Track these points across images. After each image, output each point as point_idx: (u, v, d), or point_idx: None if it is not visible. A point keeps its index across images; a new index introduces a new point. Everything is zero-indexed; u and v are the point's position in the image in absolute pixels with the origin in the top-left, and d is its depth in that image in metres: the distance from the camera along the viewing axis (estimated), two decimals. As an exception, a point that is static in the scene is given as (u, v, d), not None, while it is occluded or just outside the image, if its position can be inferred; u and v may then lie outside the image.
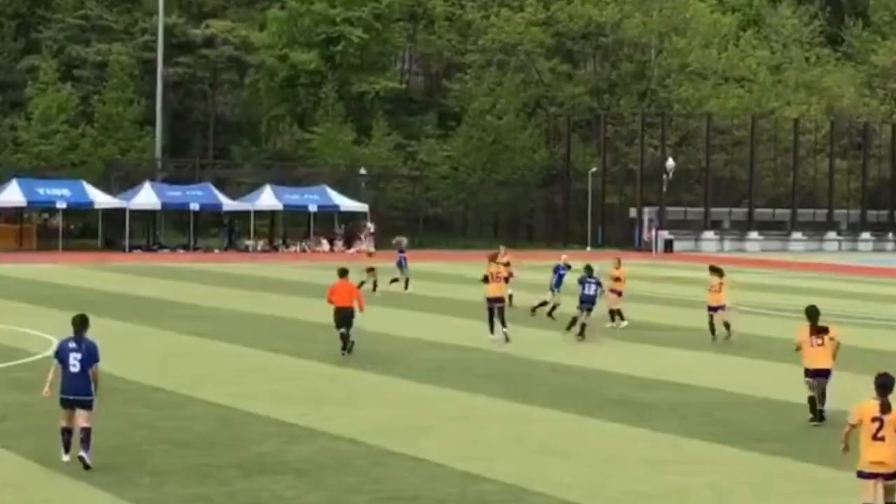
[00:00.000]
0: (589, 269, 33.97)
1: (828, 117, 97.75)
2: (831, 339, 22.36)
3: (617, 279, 37.58)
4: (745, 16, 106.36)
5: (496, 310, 32.93)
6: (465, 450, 19.69)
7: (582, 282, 33.74)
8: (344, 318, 29.64)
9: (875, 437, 14.62)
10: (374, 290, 45.34)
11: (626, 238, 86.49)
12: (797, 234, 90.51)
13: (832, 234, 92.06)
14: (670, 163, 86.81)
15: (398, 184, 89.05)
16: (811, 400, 22.35)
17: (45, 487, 16.85)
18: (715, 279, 34.52)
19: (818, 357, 22.33)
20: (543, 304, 39.29)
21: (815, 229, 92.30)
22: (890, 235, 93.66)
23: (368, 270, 46.73)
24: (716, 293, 34.39)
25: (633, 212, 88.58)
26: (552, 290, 38.91)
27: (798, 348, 22.77)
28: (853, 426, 14.96)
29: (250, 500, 16.27)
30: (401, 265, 49.16)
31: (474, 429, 21.56)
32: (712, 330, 34.10)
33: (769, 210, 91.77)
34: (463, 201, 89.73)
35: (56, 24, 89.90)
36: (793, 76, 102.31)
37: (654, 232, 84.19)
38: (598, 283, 34.03)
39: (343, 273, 30.49)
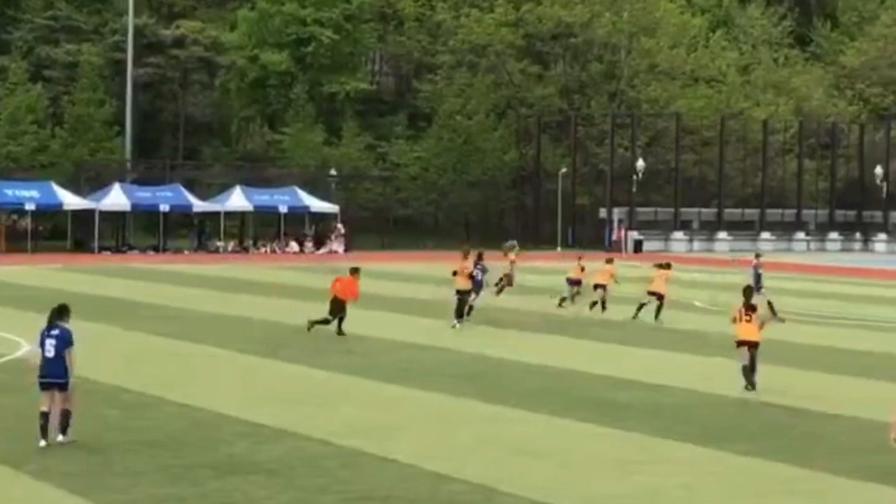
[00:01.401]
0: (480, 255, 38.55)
1: (796, 118, 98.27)
2: (758, 315, 25.71)
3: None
4: (714, 17, 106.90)
5: (462, 301, 36.66)
6: (436, 450, 19.71)
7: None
8: (339, 307, 33.84)
9: None
10: None
11: (595, 238, 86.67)
12: (766, 234, 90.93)
13: (800, 235, 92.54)
14: (640, 163, 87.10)
15: (368, 184, 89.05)
16: (744, 368, 25.35)
17: (14, 489, 16.79)
18: (660, 271, 38.92)
19: (747, 330, 25.44)
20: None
21: (784, 229, 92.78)
22: (857, 235, 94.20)
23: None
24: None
25: (602, 212, 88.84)
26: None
27: (733, 321, 25.91)
28: None
29: (222, 500, 16.26)
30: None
31: (445, 429, 21.59)
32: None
33: (738, 210, 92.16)
34: (433, 202, 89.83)
35: (25, 25, 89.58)
36: (762, 77, 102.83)
37: (623, 232, 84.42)
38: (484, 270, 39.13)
39: (354, 271, 35.12)
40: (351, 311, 34.41)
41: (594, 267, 42.95)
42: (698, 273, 61.50)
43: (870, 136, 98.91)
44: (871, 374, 28.76)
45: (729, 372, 27.77)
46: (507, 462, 19.05)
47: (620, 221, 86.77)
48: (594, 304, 40.52)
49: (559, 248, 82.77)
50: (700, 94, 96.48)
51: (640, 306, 39.33)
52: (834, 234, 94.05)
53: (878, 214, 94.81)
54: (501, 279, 46.56)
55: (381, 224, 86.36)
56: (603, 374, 28.22)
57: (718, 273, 63.83)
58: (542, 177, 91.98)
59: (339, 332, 33.73)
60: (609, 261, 43.17)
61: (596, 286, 40.89)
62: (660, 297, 39.04)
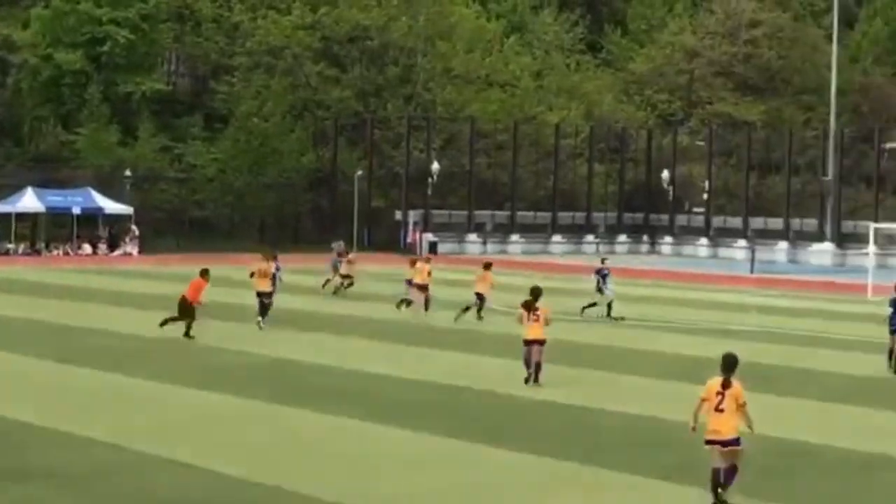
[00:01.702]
0: None
1: (587, 122, 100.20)
2: (544, 315, 27.32)
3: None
4: (509, 22, 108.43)
5: (264, 303, 37.40)
6: (228, 452, 19.98)
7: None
8: (185, 309, 34.73)
9: (717, 409, 17.00)
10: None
11: (391, 240, 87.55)
12: (557, 237, 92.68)
13: (590, 237, 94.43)
14: (435, 166, 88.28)
15: (164, 186, 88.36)
16: (526, 362, 27.38)
17: None
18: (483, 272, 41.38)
19: (532, 330, 27.30)
20: (592, 304, 43.41)
21: (574, 232, 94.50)
22: (645, 238, 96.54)
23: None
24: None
25: (398, 214, 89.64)
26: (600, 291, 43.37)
27: (519, 321, 27.88)
28: (703, 400, 17.22)
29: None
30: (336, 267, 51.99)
31: (237, 431, 21.85)
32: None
33: (531, 213, 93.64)
34: (230, 204, 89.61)
35: None
36: (554, 82, 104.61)
37: (418, 234, 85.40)
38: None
39: (204, 273, 35.75)
40: (149, 315, 34.51)
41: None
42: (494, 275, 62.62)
43: (657, 141, 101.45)
44: (656, 374, 29.96)
45: (521, 373, 28.79)
46: (298, 463, 19.38)
47: (415, 223, 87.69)
48: (466, 309, 40.81)
49: (355, 250, 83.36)
50: (494, 98, 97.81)
51: (465, 309, 40.49)
52: (622, 237, 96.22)
53: (665, 217, 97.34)
54: (334, 279, 49.98)
55: (176, 226, 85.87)
56: (400, 375, 28.72)
57: (512, 275, 65.20)
58: (339, 179, 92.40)
59: (187, 334, 34.24)
60: (427, 260, 45.65)
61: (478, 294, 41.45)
62: (481, 298, 40.97)
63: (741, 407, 17.07)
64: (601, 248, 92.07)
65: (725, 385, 17.09)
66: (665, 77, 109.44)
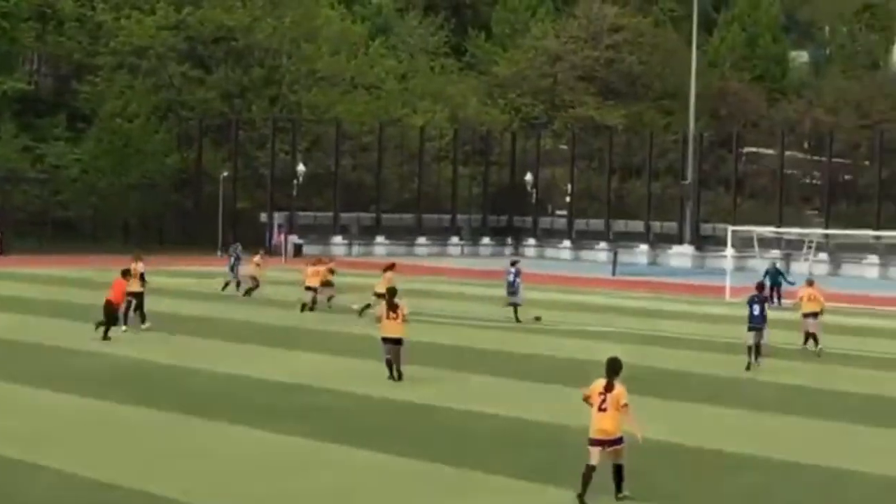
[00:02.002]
0: None
1: (452, 125, 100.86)
2: (404, 314, 28.69)
3: None
4: (373, 24, 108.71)
5: (134, 303, 38.03)
6: (92, 457, 20.00)
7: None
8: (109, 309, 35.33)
9: (600, 409, 17.83)
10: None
11: (256, 242, 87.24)
12: (422, 239, 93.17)
13: (455, 239, 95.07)
14: (300, 168, 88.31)
15: (26, 187, 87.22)
16: (388, 361, 28.70)
17: None
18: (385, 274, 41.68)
19: (392, 328, 28.57)
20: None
21: (439, 234, 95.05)
22: (509, 240, 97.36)
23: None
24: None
25: (263, 216, 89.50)
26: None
27: (378, 320, 29.29)
28: (585, 398, 18.13)
29: None
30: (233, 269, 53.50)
31: (101, 435, 21.87)
32: None
33: (396, 215, 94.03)
34: (93, 205, 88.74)
35: None
36: (419, 84, 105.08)
37: (283, 236, 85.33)
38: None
39: (125, 273, 37.00)
40: (9, 317, 34.26)
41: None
42: (360, 277, 62.93)
43: (521, 144, 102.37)
44: (517, 375, 30.52)
45: (381, 373, 29.12)
46: (162, 466, 19.46)
47: (280, 226, 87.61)
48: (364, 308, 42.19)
49: (219, 252, 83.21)
50: (359, 100, 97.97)
51: (366, 306, 41.69)
52: (486, 239, 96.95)
53: (528, 220, 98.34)
54: (233, 281, 51.95)
55: (38, 227, 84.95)
56: (265, 378, 28.90)
57: (375, 277, 65.47)
58: (203, 180, 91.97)
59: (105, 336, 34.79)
60: (317, 262, 47.59)
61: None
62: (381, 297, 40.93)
63: (623, 408, 17.83)
64: (465, 249, 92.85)
65: (608, 388, 17.88)
66: (528, 81, 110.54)
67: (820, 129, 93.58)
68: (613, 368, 18.06)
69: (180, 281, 54.13)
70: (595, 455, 17.78)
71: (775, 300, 50.01)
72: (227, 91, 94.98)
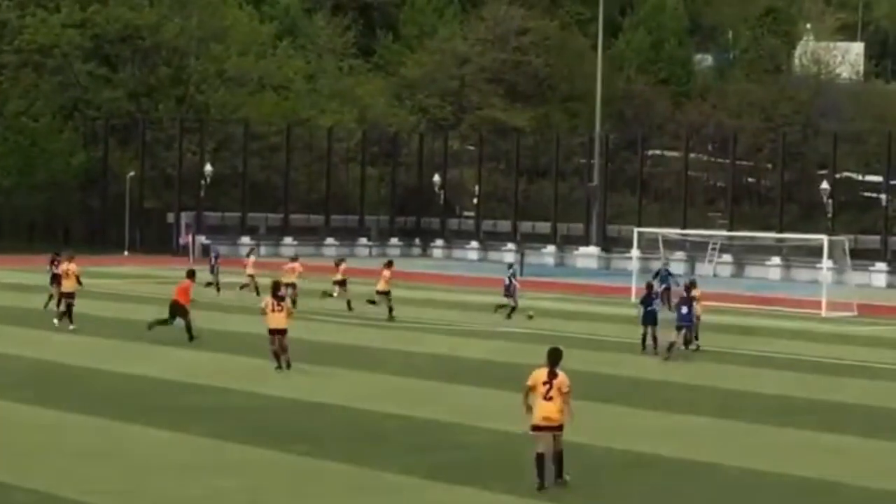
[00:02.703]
0: None
1: (360, 126, 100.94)
2: (288, 306, 30.93)
3: None
4: (281, 24, 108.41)
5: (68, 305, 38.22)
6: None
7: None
8: (177, 310, 36.33)
9: (545, 398, 18.70)
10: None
11: (163, 242, 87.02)
12: (330, 240, 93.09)
13: (363, 240, 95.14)
14: (208, 168, 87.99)
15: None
16: (274, 353, 30.33)
17: None
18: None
19: (276, 319, 30.33)
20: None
21: (347, 235, 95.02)
22: (417, 241, 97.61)
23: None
24: None
25: (171, 216, 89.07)
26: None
27: (262, 313, 30.78)
28: (529, 388, 18.91)
29: None
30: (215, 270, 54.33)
31: (4, 436, 21.79)
32: None
33: (304, 216, 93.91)
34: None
35: None
36: (327, 85, 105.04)
37: (191, 236, 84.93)
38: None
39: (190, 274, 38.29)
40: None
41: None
42: (268, 278, 62.84)
43: (429, 145, 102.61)
44: (414, 374, 30.79)
45: (291, 373, 29.24)
46: (70, 468, 19.43)
47: (188, 226, 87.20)
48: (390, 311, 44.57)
49: (126, 252, 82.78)
50: (268, 100, 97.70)
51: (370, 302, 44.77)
52: (395, 240, 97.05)
53: (436, 221, 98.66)
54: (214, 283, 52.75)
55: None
56: (170, 378, 28.94)
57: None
58: (110, 180, 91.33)
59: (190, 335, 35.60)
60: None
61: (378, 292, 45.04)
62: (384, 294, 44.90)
63: (565, 395, 18.80)
64: (374, 250, 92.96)
65: (552, 375, 18.80)
66: (436, 82, 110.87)
67: (724, 132, 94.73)
68: (555, 358, 19.04)
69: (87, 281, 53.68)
70: (543, 441, 18.65)
71: (665, 301, 50.63)
72: (133, 90, 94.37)
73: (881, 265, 75.92)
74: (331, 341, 37.41)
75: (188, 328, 35.80)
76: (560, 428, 18.77)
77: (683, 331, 35.85)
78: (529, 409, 19.05)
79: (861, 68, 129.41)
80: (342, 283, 49.40)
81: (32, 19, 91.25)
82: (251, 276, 52.50)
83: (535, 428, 18.75)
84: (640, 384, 30.63)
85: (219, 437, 22.08)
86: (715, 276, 75.18)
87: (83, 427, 22.90)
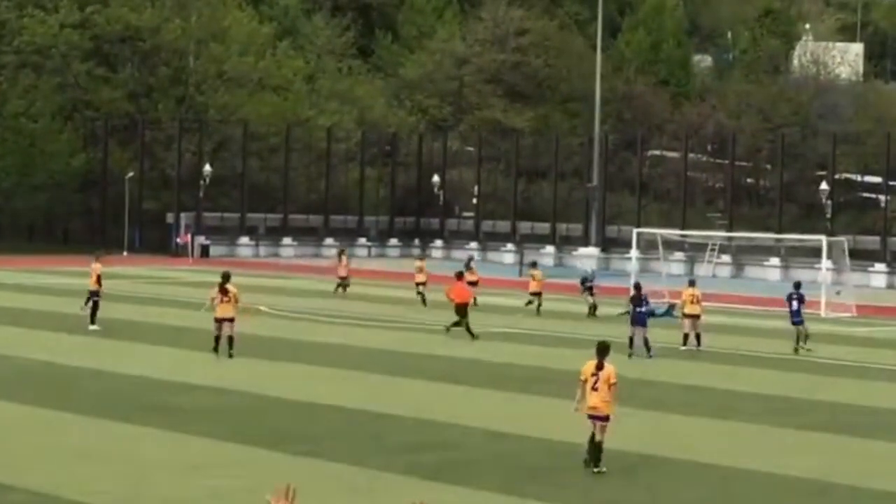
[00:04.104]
0: None
1: (359, 127, 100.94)
2: (235, 297, 33.08)
3: None
4: (280, 25, 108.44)
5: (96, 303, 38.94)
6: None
7: None
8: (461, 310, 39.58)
9: (592, 388, 19.93)
10: None
11: (162, 243, 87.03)
12: (329, 240, 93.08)
13: (362, 241, 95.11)
14: (207, 168, 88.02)
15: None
16: (216, 338, 32.70)
17: None
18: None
19: (224, 309, 32.80)
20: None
21: (347, 235, 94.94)
22: (416, 242, 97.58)
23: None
24: None
25: (170, 217, 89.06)
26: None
27: (210, 309, 33.56)
28: (583, 381, 20.09)
29: None
30: None
31: (4, 437, 21.80)
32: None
33: (303, 216, 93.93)
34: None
35: None
36: (326, 86, 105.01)
37: (190, 237, 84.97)
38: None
39: (459, 275, 42.02)
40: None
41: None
42: (265, 279, 63.03)
43: (428, 146, 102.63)
44: (420, 375, 30.80)
45: (283, 373, 29.23)
46: (69, 469, 19.44)
47: (187, 226, 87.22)
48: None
49: (125, 252, 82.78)
50: (267, 101, 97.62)
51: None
52: (394, 241, 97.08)
53: (435, 222, 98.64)
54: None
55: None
56: (164, 378, 29.01)
57: (283, 278, 65.66)
58: (109, 180, 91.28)
59: (470, 334, 38.56)
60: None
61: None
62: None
63: (612, 386, 19.94)
64: (373, 251, 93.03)
65: (599, 367, 20.01)
66: (435, 83, 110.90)
67: (723, 133, 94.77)
68: (603, 350, 20.18)
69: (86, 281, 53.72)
70: (592, 429, 19.95)
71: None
72: (133, 91, 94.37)
73: (880, 266, 75.96)
74: (330, 341, 37.43)
75: (467, 328, 38.70)
76: (606, 419, 19.91)
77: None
78: (582, 398, 20.23)
79: (860, 69, 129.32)
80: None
81: (31, 20, 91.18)
82: (344, 277, 54.20)
83: (590, 416, 20.04)
84: (639, 384, 30.64)
85: (219, 437, 22.11)
86: (714, 276, 75.19)
87: (83, 427, 22.91)
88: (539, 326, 43.58)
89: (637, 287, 37.82)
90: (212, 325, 33.48)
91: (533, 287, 50.05)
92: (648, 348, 35.66)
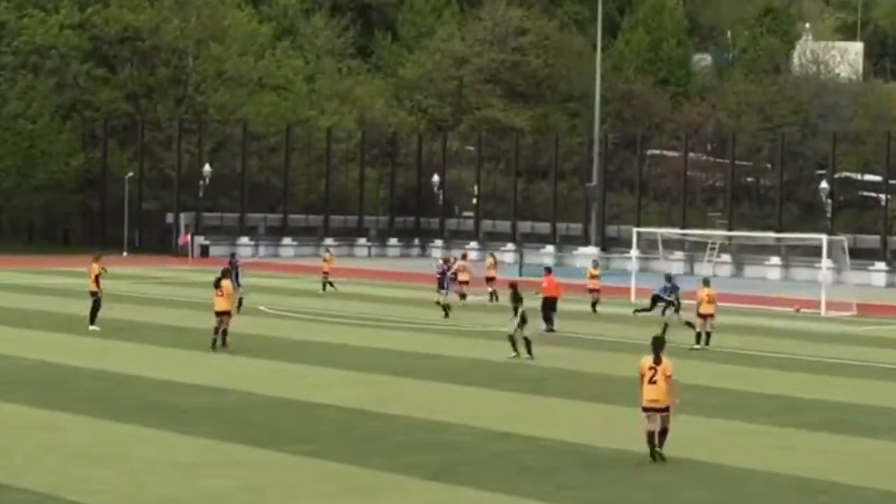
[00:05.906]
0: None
1: (359, 127, 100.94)
2: (228, 292, 34.73)
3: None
4: (280, 25, 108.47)
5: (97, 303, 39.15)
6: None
7: None
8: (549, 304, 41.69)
9: (650, 381, 20.83)
10: None
11: (162, 243, 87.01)
12: (329, 240, 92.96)
13: (362, 241, 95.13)
14: (207, 168, 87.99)
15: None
16: (216, 330, 34.24)
17: None
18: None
19: (219, 303, 34.48)
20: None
21: (347, 235, 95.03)
22: (416, 241, 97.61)
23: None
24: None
25: (170, 217, 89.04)
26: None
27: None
28: (642, 376, 20.94)
29: None
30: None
31: (3, 438, 21.76)
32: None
33: (303, 216, 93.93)
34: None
35: None
36: (326, 86, 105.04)
37: (190, 237, 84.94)
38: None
39: (548, 270, 44.64)
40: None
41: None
42: (266, 278, 62.97)
43: (427, 145, 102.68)
44: (420, 375, 30.77)
45: (284, 374, 29.19)
46: (68, 469, 19.40)
47: (187, 226, 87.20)
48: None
49: (125, 253, 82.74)
50: (267, 101, 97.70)
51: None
52: (394, 241, 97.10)
53: (435, 221, 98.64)
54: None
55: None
56: (163, 378, 28.98)
57: (282, 278, 65.64)
58: (109, 181, 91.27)
59: (549, 328, 40.45)
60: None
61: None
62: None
63: (668, 379, 20.75)
64: (373, 251, 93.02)
65: (657, 361, 20.85)
66: (435, 83, 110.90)
67: (723, 132, 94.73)
68: (658, 345, 21.09)
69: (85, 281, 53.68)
70: (652, 421, 20.71)
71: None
72: (132, 91, 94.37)
73: (880, 265, 75.92)
74: (330, 341, 37.41)
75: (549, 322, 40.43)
76: (666, 409, 20.71)
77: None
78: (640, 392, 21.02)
79: (860, 68, 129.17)
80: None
81: (31, 20, 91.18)
82: (466, 282, 53.04)
83: (645, 409, 20.76)
84: (635, 384, 30.54)
85: (219, 437, 22.09)
86: (714, 275, 75.02)
87: (82, 427, 22.88)
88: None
89: (668, 278, 41.77)
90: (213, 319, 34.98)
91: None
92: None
